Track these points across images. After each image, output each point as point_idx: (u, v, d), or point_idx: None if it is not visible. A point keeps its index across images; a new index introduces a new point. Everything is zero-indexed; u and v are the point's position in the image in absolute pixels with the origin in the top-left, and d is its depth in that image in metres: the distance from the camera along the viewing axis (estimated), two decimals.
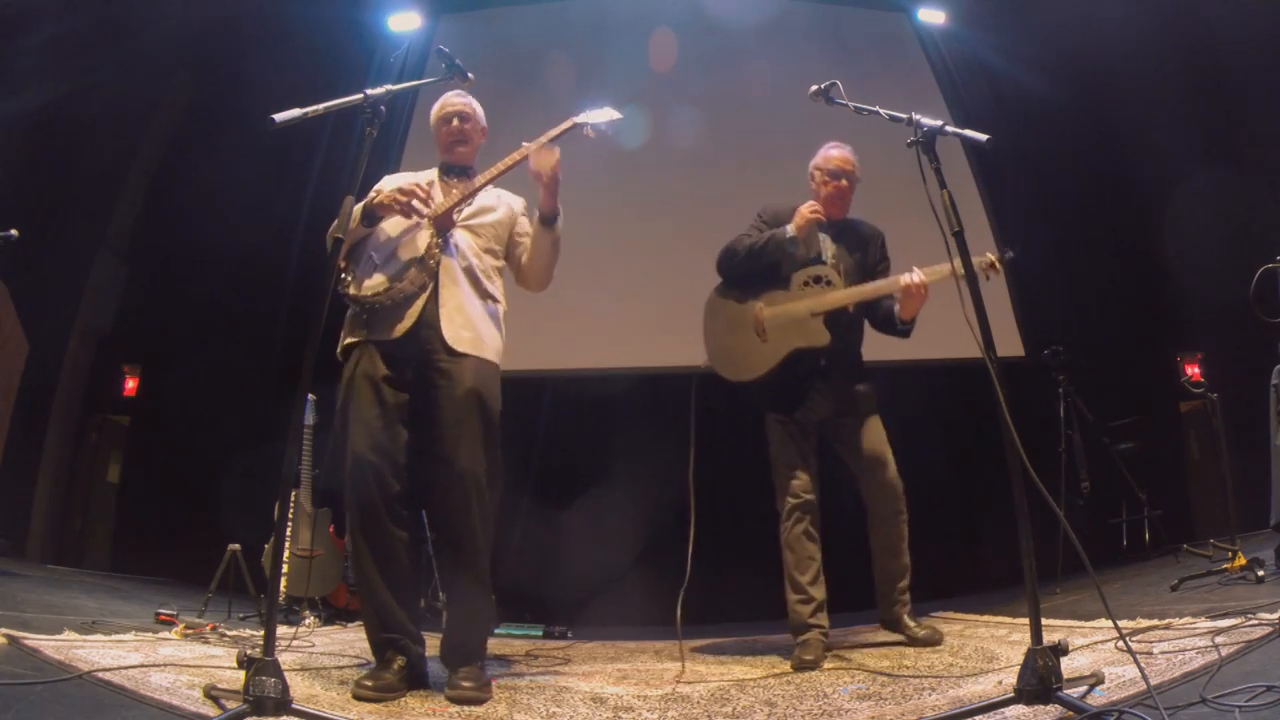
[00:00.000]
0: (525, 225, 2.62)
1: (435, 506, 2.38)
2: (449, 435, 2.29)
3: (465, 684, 2.16)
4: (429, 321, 2.34)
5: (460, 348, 2.34)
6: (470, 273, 2.44)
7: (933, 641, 2.88)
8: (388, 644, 2.25)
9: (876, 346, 3.22)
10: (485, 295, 2.46)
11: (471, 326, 2.38)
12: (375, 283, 2.34)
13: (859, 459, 3.01)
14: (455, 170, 2.58)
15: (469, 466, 2.27)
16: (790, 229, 2.97)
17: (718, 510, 5.30)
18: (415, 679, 2.26)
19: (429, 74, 2.58)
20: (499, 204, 2.59)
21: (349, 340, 2.39)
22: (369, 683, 2.13)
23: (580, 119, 2.54)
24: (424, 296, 2.34)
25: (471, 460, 2.28)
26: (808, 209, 2.98)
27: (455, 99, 2.60)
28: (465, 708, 2.06)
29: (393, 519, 2.27)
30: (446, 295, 2.37)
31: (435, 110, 2.63)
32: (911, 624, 2.96)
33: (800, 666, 2.66)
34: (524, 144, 2.46)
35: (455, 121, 2.57)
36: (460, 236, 2.46)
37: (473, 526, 2.27)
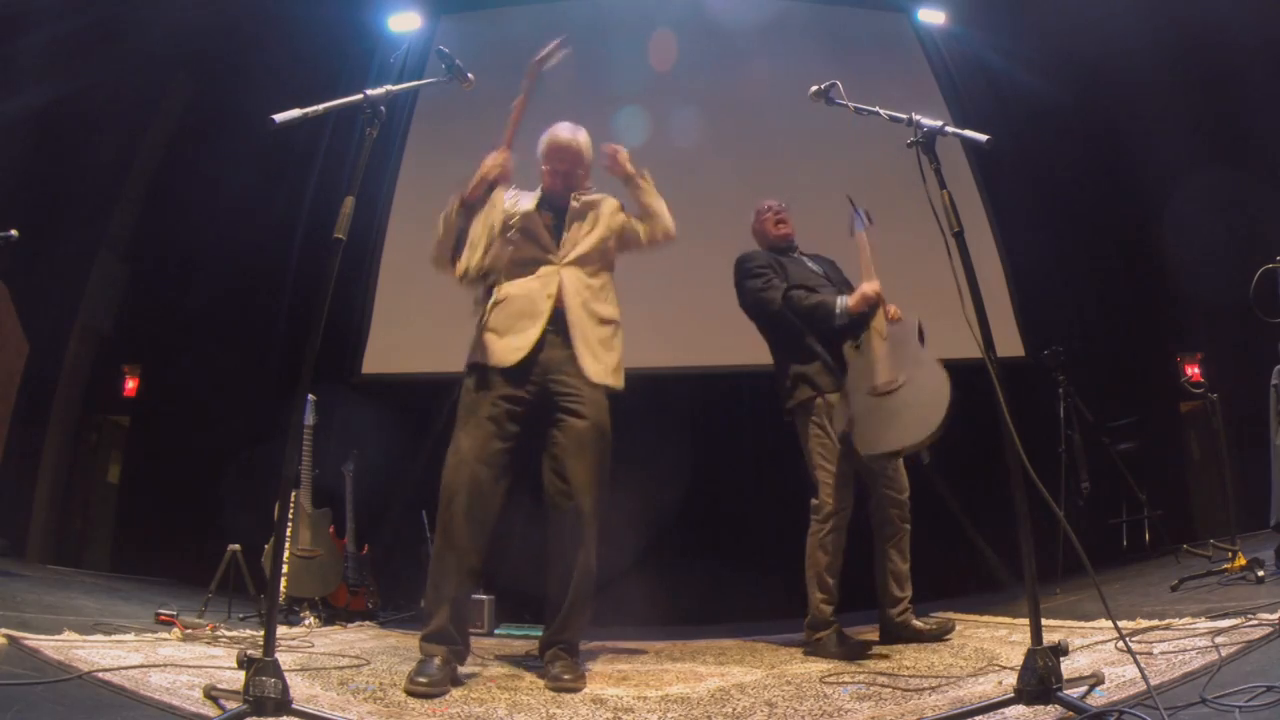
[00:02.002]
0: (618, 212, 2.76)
1: (552, 513, 2.62)
2: (571, 463, 2.54)
3: (565, 676, 2.38)
4: (554, 347, 2.52)
5: (595, 379, 2.53)
6: (587, 307, 2.59)
7: (946, 631, 2.95)
8: (448, 643, 2.36)
9: None
10: (603, 321, 2.62)
11: (597, 355, 2.56)
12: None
13: (882, 475, 3.06)
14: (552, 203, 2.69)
15: (586, 489, 2.55)
16: (848, 304, 2.99)
17: (720, 511, 5.32)
18: (455, 679, 2.36)
19: (429, 74, 2.59)
20: (592, 219, 2.70)
21: (475, 361, 2.55)
22: (423, 679, 2.19)
23: (535, 60, 2.74)
24: (546, 331, 2.52)
25: (589, 483, 2.56)
26: (872, 291, 2.97)
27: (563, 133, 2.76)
28: (464, 708, 2.07)
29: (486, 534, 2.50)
30: (574, 332, 2.54)
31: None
32: (919, 624, 3.00)
33: (865, 649, 2.77)
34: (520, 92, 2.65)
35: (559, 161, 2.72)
36: (571, 276, 2.60)
37: (586, 541, 2.56)
